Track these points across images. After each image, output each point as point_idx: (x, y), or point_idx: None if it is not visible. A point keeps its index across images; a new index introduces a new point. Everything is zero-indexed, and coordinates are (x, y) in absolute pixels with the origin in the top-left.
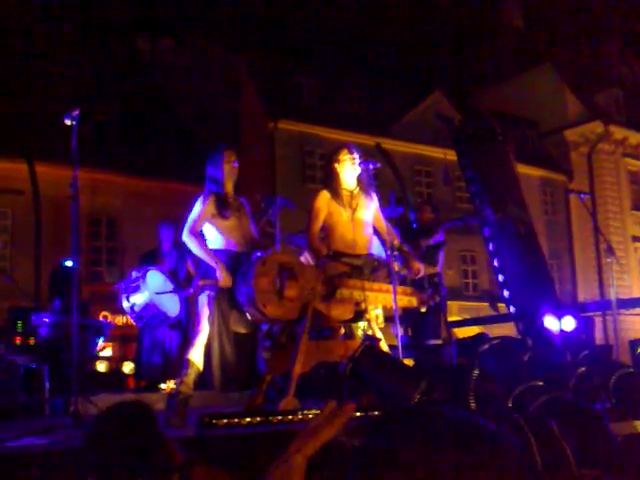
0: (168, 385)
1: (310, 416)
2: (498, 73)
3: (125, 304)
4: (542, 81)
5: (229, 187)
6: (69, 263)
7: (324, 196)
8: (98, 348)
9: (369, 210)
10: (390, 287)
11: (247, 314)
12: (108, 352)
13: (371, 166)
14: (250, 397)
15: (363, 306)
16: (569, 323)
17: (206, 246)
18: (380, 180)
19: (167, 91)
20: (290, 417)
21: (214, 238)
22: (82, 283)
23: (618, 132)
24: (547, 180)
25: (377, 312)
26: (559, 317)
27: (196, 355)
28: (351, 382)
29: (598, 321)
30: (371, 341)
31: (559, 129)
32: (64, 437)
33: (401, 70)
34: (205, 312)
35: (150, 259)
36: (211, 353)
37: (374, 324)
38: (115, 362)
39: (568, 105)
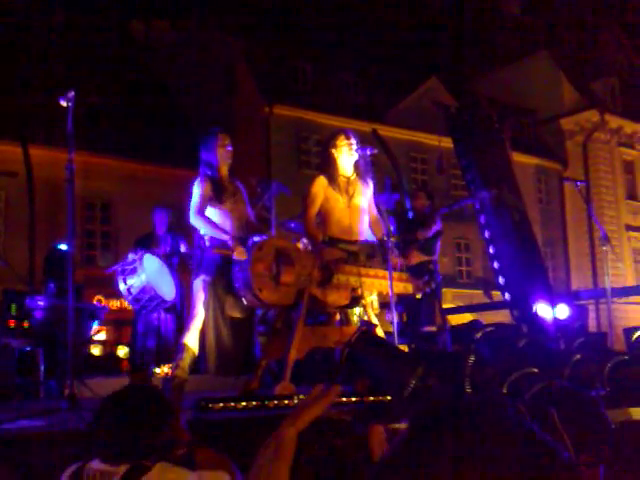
0: (162, 369)
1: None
2: (494, 60)
3: (122, 286)
4: (538, 69)
5: (224, 171)
6: (63, 246)
7: (321, 181)
8: (92, 332)
9: (365, 197)
10: (386, 273)
11: (243, 299)
12: (102, 336)
13: (368, 152)
14: (245, 382)
15: (359, 292)
16: (563, 311)
17: (214, 223)
18: (376, 166)
19: (162, 74)
20: (286, 402)
21: None
22: (76, 267)
23: (613, 121)
24: (542, 168)
25: (372, 298)
26: (553, 305)
27: (192, 339)
28: (347, 367)
29: (591, 309)
30: (367, 327)
31: (555, 117)
32: (61, 420)
33: (398, 56)
34: (200, 297)
35: (145, 243)
36: (207, 338)
37: (370, 310)
38: (109, 346)
39: (564, 93)
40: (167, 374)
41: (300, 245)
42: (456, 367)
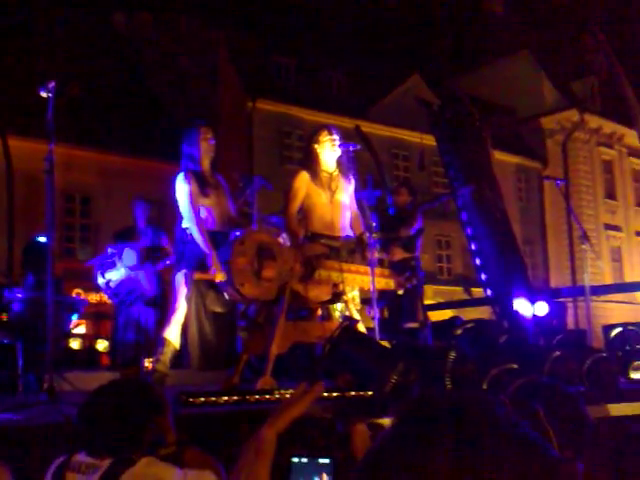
0: (149, 364)
1: (287, 396)
2: (476, 59)
3: (100, 280)
4: (520, 68)
5: (206, 165)
6: (42, 239)
7: (303, 177)
8: (72, 325)
9: (347, 193)
10: (367, 269)
11: (224, 294)
12: (81, 330)
13: (351, 148)
14: (226, 377)
15: (341, 287)
16: (542, 308)
17: (205, 234)
18: (358, 163)
19: (143, 67)
20: (267, 396)
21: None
22: (55, 259)
23: (593, 121)
24: (522, 167)
25: (354, 294)
26: (532, 302)
27: (173, 333)
28: (328, 363)
29: (569, 307)
30: (349, 322)
31: (535, 116)
32: (40, 413)
33: (380, 52)
34: (182, 291)
35: (125, 236)
36: (189, 332)
37: (351, 306)
38: (89, 340)
39: (545, 93)
40: (147, 368)
41: (280, 240)
42: (437, 363)
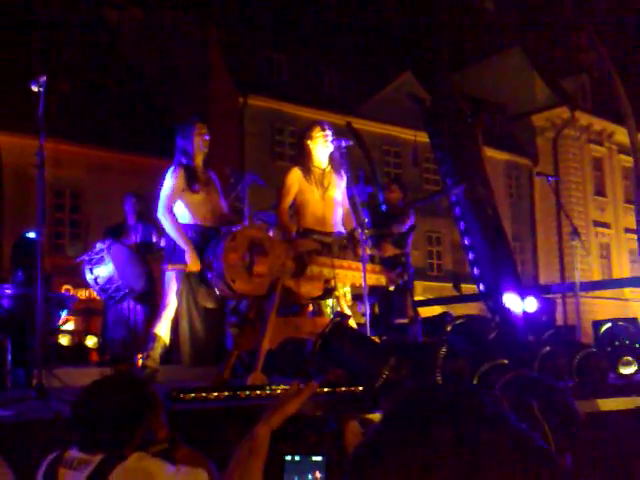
0: (140, 360)
1: (278, 391)
2: (468, 56)
3: (89, 276)
4: (511, 65)
5: (199, 160)
6: (32, 234)
7: (295, 173)
8: (61, 321)
9: (340, 189)
10: (359, 265)
11: (215, 289)
12: (71, 326)
13: (343, 143)
14: (217, 372)
15: (332, 283)
16: (531, 304)
17: (179, 226)
18: (349, 159)
19: (134, 63)
20: (258, 392)
21: (182, 212)
22: (45, 255)
23: (583, 118)
24: (512, 164)
25: (346, 290)
26: (522, 297)
27: (163, 329)
28: (319, 358)
29: (558, 303)
30: (341, 318)
31: (526, 113)
32: (30, 409)
33: (372, 49)
34: (173, 286)
35: (115, 232)
36: (180, 328)
37: (343, 301)
38: (78, 336)
39: (536, 90)
40: (137, 364)
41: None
42: (428, 358)
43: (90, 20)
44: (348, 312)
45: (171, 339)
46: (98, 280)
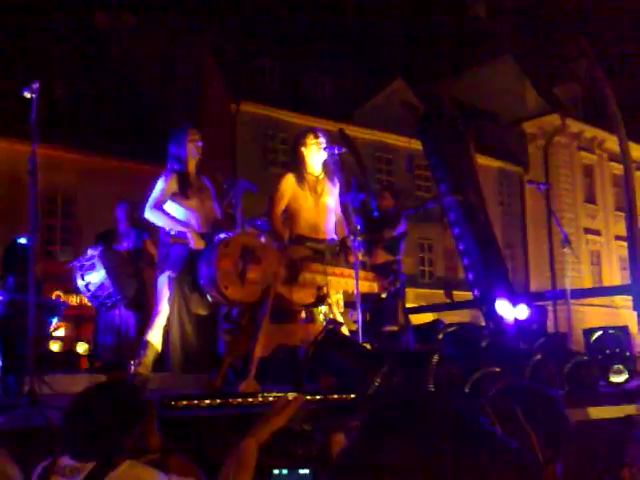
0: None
1: (270, 399)
2: (460, 63)
3: (80, 282)
4: (503, 73)
5: (191, 166)
6: (23, 240)
7: (289, 179)
8: (51, 328)
9: (333, 196)
10: (351, 272)
11: (208, 296)
12: (61, 332)
13: (336, 150)
14: (209, 379)
15: (325, 290)
16: (522, 311)
17: (170, 215)
18: (342, 166)
19: (126, 68)
20: (250, 400)
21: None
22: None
23: (574, 126)
24: (503, 171)
25: (338, 297)
26: (514, 304)
27: (154, 336)
28: (311, 365)
29: (549, 310)
30: (333, 325)
31: (518, 121)
32: (21, 416)
33: (365, 56)
34: (165, 293)
35: (106, 238)
36: (171, 335)
37: (335, 309)
38: (69, 342)
39: (527, 97)
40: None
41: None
42: (420, 366)
43: (82, 26)
44: (340, 319)
45: (163, 346)
46: (89, 286)
